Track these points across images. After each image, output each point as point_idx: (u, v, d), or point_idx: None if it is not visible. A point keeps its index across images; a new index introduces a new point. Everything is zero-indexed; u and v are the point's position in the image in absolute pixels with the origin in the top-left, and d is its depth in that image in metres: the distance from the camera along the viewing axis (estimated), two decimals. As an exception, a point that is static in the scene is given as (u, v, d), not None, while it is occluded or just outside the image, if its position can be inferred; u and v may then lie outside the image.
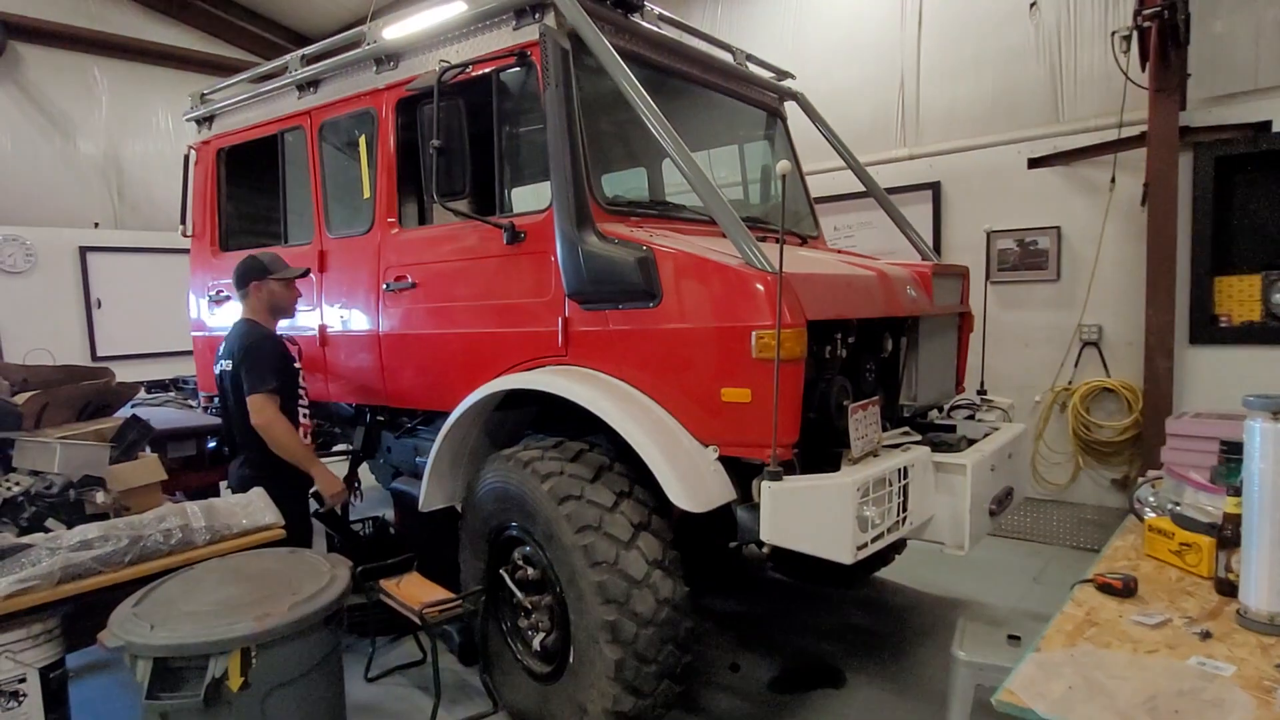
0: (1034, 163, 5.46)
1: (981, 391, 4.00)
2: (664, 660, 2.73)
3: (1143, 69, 4.85)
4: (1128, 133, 5.04)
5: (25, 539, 2.51)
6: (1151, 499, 2.61)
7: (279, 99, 4.47)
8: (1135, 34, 4.76)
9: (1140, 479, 3.01)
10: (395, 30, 3.85)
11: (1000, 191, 5.66)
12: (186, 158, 5.13)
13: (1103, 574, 2.12)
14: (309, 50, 4.44)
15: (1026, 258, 5.56)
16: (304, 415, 3.83)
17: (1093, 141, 5.23)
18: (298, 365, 3.87)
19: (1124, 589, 2.04)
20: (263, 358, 3.54)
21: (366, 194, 3.96)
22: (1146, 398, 5.00)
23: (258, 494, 3.13)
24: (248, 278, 3.74)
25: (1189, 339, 4.94)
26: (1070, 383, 5.44)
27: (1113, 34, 5.02)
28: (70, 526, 2.67)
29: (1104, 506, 5.32)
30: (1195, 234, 4.90)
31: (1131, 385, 5.16)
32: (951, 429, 3.62)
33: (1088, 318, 5.35)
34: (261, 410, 3.47)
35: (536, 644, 3.07)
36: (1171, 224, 4.83)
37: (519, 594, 3.11)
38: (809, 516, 2.53)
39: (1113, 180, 5.18)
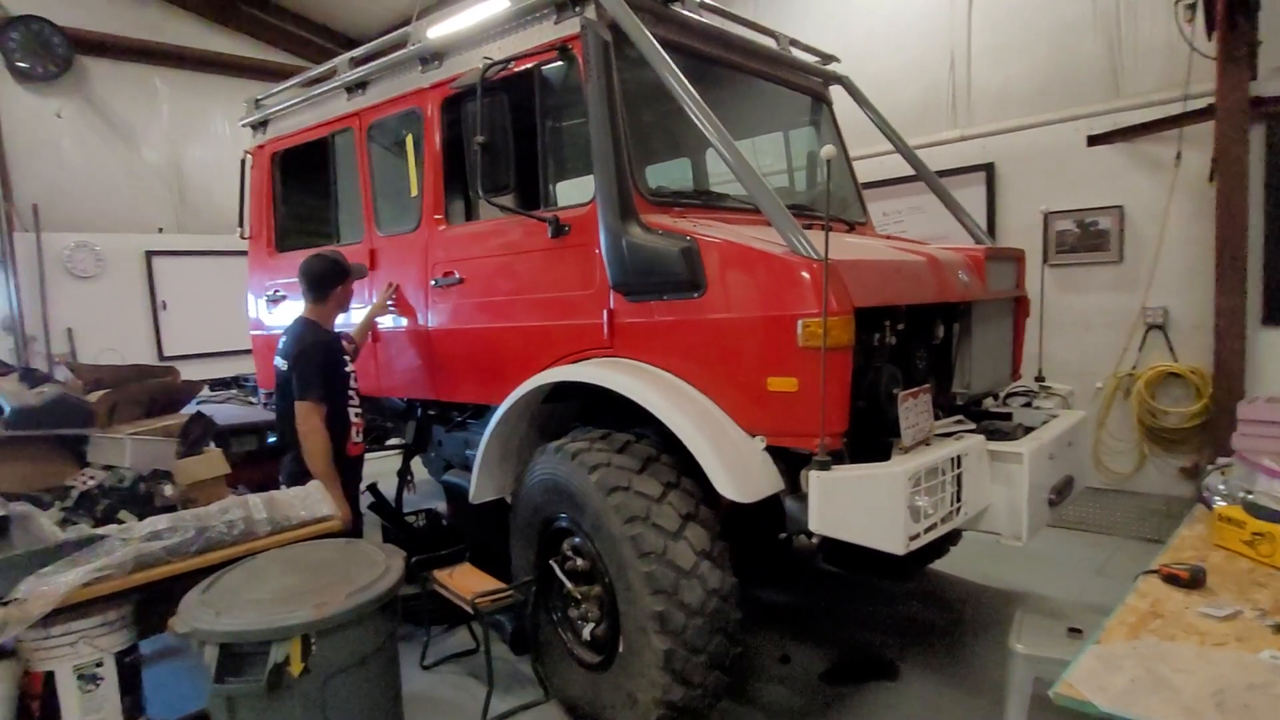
0: (1094, 140, 5.25)
1: (1039, 378, 3.88)
2: (713, 650, 2.73)
3: (1209, 37, 4.62)
4: (1193, 105, 4.81)
5: (100, 530, 2.63)
6: (1221, 487, 2.52)
7: (329, 102, 4.57)
8: (1200, 1, 4.54)
9: (1210, 466, 2.89)
10: (439, 29, 3.91)
11: (1057, 171, 5.47)
12: (243, 162, 5.29)
13: (1168, 564, 2.04)
14: (357, 53, 4.54)
15: (1086, 239, 5.37)
16: (355, 414, 3.89)
17: (1156, 116, 4.99)
18: (349, 369, 3.88)
19: (1191, 580, 1.97)
20: (312, 364, 3.59)
21: (414, 192, 4.03)
22: (1216, 382, 4.78)
23: (315, 486, 3.22)
24: (334, 280, 3.77)
25: (1261, 320, 4.70)
26: (1134, 368, 5.24)
27: (1176, 2, 4.80)
28: (141, 518, 2.79)
29: (1171, 496, 5.12)
30: (1268, 210, 4.65)
31: (1200, 369, 4.94)
32: (1008, 417, 3.53)
33: (1152, 300, 5.14)
34: (307, 418, 3.56)
35: (586, 634, 3.10)
36: (1242, 200, 4.60)
37: (569, 584, 3.14)
38: (859, 506, 2.49)
39: (1178, 156, 4.96)
